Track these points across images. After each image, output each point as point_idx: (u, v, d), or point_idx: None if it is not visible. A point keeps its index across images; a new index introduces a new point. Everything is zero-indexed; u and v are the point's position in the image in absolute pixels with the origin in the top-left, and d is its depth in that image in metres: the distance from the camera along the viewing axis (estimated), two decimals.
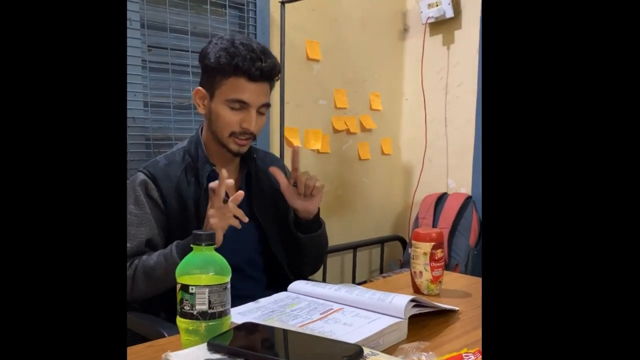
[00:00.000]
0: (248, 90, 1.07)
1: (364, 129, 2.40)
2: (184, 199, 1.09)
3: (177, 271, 0.74)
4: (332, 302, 0.91)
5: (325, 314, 0.85)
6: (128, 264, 1.06)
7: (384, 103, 2.48)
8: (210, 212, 1.01)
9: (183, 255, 0.99)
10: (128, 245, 1.07)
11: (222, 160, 1.15)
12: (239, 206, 1.08)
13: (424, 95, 2.44)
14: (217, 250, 0.75)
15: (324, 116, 2.24)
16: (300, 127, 2.13)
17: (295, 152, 1.15)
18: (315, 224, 1.21)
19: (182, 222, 1.09)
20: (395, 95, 2.56)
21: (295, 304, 0.91)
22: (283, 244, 1.22)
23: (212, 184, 1.02)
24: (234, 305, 0.80)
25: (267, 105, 1.12)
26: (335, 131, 2.28)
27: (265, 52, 1.09)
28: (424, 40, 2.42)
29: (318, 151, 2.21)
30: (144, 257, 1.07)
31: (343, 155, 2.34)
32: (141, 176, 1.11)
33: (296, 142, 2.09)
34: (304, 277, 1.22)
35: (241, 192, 1.01)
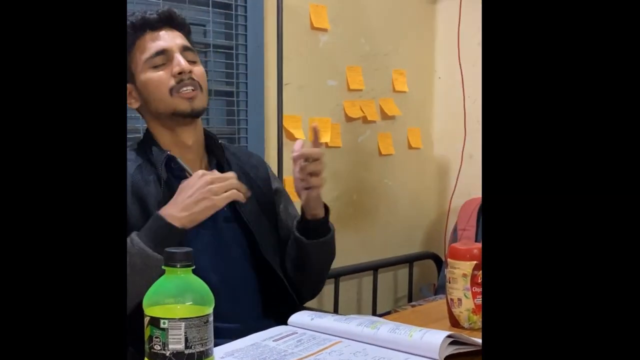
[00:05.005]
0: (158, 39, 1.18)
1: (385, 116, 2.40)
2: (143, 199, 1.13)
3: (145, 300, 0.74)
4: (347, 339, 0.91)
5: (340, 356, 0.85)
6: None
7: (411, 83, 2.48)
8: (207, 179, 1.07)
9: (153, 241, 1.04)
10: None
11: (178, 147, 1.21)
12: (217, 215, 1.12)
13: (461, 72, 2.43)
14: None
15: (334, 100, 2.24)
16: (303, 115, 2.13)
17: (315, 130, 1.22)
18: (324, 227, 1.22)
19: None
20: (424, 72, 2.55)
21: (297, 341, 0.91)
22: (277, 254, 1.24)
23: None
24: (218, 342, 0.80)
25: (191, 50, 1.21)
26: (349, 119, 2.28)
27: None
28: (460, 2, 2.41)
29: (327, 145, 2.21)
30: None
31: (359, 149, 2.33)
32: None
33: (299, 134, 2.09)
34: (302, 303, 1.24)
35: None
